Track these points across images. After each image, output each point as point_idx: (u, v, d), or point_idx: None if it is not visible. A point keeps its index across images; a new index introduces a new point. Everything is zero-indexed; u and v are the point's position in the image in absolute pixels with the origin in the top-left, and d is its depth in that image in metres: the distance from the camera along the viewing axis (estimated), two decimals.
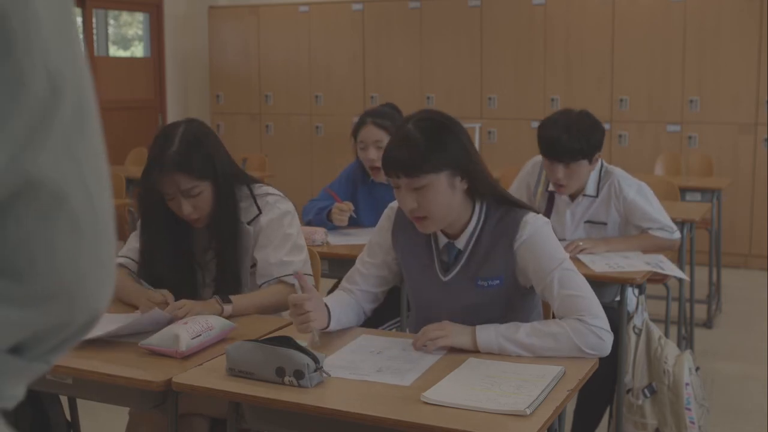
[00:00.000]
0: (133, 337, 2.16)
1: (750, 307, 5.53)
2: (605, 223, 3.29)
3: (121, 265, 2.59)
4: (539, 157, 3.35)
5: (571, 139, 3.09)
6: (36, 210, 0.63)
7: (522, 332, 2.04)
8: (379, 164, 3.46)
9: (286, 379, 1.85)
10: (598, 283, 2.95)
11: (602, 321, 2.08)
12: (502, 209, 2.20)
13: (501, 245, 2.17)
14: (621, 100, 6.86)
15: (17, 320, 0.64)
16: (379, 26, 7.85)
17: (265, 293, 2.50)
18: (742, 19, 6.52)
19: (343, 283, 2.40)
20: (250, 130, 8.48)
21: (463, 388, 1.82)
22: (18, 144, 0.61)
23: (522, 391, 1.79)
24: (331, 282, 3.70)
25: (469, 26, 7.45)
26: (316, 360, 1.86)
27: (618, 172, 3.32)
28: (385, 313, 3.08)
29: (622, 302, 2.97)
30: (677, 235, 3.30)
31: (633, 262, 3.05)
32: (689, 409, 2.82)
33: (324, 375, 1.88)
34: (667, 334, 3.63)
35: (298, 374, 1.84)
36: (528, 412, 1.69)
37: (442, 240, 2.25)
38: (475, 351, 2.05)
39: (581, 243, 3.16)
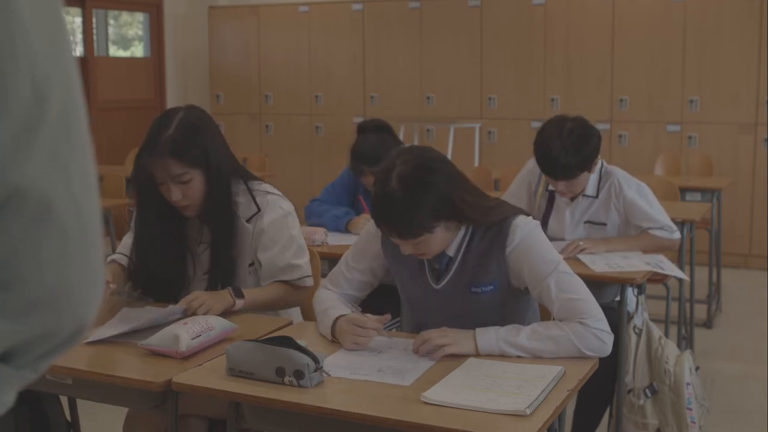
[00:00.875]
0: (133, 337, 2.16)
1: (750, 307, 5.53)
2: (605, 224, 3.29)
3: (113, 261, 2.59)
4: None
5: (567, 157, 3.08)
6: (22, 219, 0.62)
7: (523, 336, 2.04)
8: None
9: (286, 379, 1.85)
10: (598, 283, 2.95)
11: (603, 323, 2.08)
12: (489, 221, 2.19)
13: (493, 251, 2.17)
14: (621, 100, 6.86)
15: (4, 329, 0.63)
16: (379, 26, 7.85)
17: (272, 290, 2.50)
18: (742, 19, 6.52)
19: (326, 283, 2.39)
20: (250, 130, 8.48)
21: (463, 388, 1.82)
22: (3, 153, 0.60)
23: (522, 391, 1.79)
24: None
25: (469, 26, 7.45)
26: (316, 360, 1.86)
27: (618, 172, 3.32)
28: (385, 314, 3.08)
29: (622, 302, 2.97)
30: (677, 235, 3.30)
31: (633, 262, 3.05)
32: (690, 409, 2.82)
33: (324, 375, 1.88)
34: (667, 334, 3.63)
35: (298, 374, 1.84)
36: (528, 412, 1.69)
37: None
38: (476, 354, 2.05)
39: (581, 243, 3.16)
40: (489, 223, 2.17)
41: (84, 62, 7.98)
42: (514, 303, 2.23)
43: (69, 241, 0.64)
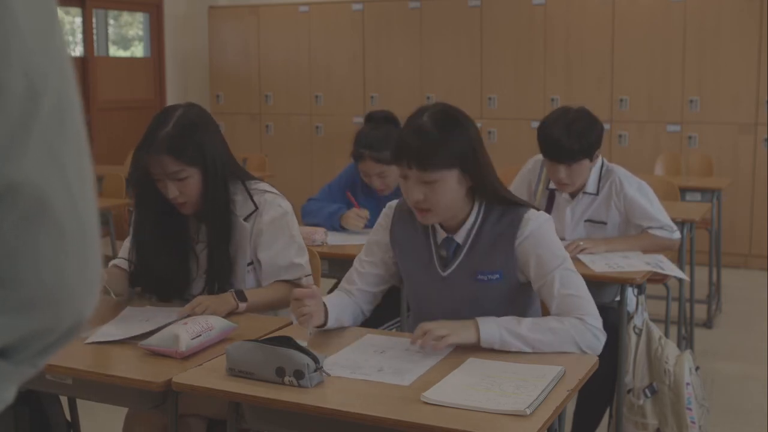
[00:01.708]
0: (133, 337, 2.16)
1: (750, 307, 5.53)
2: (605, 223, 3.29)
3: (115, 266, 2.59)
4: (540, 156, 3.36)
5: (571, 140, 3.10)
6: (18, 215, 0.61)
7: (524, 326, 2.05)
8: (384, 188, 3.46)
9: (286, 379, 1.85)
10: (598, 283, 2.95)
11: (599, 322, 2.11)
12: (503, 207, 2.21)
13: (502, 241, 2.18)
14: (621, 100, 6.86)
15: (2, 325, 0.63)
16: (379, 26, 7.85)
17: (274, 290, 2.51)
18: (742, 19, 6.52)
19: (342, 283, 2.41)
20: (250, 130, 8.48)
21: (463, 388, 1.82)
22: None
23: (522, 391, 1.79)
24: (331, 282, 3.70)
25: (469, 26, 7.45)
26: (316, 360, 1.86)
27: (619, 170, 3.33)
28: (385, 313, 3.08)
29: (622, 302, 2.97)
30: (677, 234, 3.30)
31: (633, 262, 3.05)
32: (690, 409, 2.82)
33: (324, 375, 1.88)
34: (667, 334, 3.63)
35: (298, 374, 1.84)
36: (528, 412, 1.69)
37: (440, 235, 2.25)
38: (477, 347, 2.05)
39: (581, 243, 3.16)
40: (501, 200, 2.19)
41: (84, 62, 7.98)
42: (518, 296, 2.24)
43: (65, 236, 0.64)
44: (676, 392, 2.85)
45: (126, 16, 9.04)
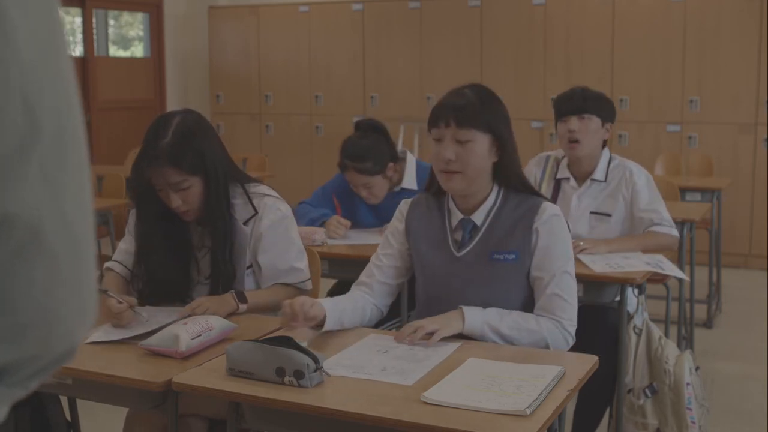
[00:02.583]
0: (133, 337, 2.16)
1: (750, 307, 5.53)
2: (610, 215, 3.32)
3: (109, 269, 2.58)
4: (545, 153, 3.43)
5: (585, 94, 3.34)
6: (11, 245, 0.60)
7: (505, 325, 2.16)
8: (371, 197, 3.45)
9: (286, 379, 1.85)
10: (598, 283, 2.95)
11: (574, 328, 2.23)
12: (522, 194, 2.29)
13: (521, 223, 2.25)
14: (621, 100, 6.86)
15: None
16: (379, 26, 7.85)
17: (274, 291, 2.52)
18: (742, 19, 6.52)
19: (361, 278, 2.41)
20: (250, 130, 8.48)
21: (463, 388, 1.82)
22: None
23: (522, 391, 1.79)
24: (331, 282, 3.70)
25: (469, 26, 7.45)
26: (316, 360, 1.86)
27: (630, 162, 3.44)
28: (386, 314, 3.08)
29: (622, 302, 2.97)
30: (675, 232, 3.32)
31: (633, 262, 3.05)
32: (690, 409, 2.82)
33: (324, 375, 1.88)
34: (667, 334, 3.63)
35: (298, 374, 1.84)
36: (528, 412, 1.69)
37: (456, 217, 2.30)
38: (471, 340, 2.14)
39: (581, 243, 3.16)
40: (521, 186, 2.28)
41: (84, 62, 7.98)
42: (529, 278, 2.26)
43: (60, 265, 0.63)
44: (676, 392, 2.85)
45: (126, 16, 9.04)
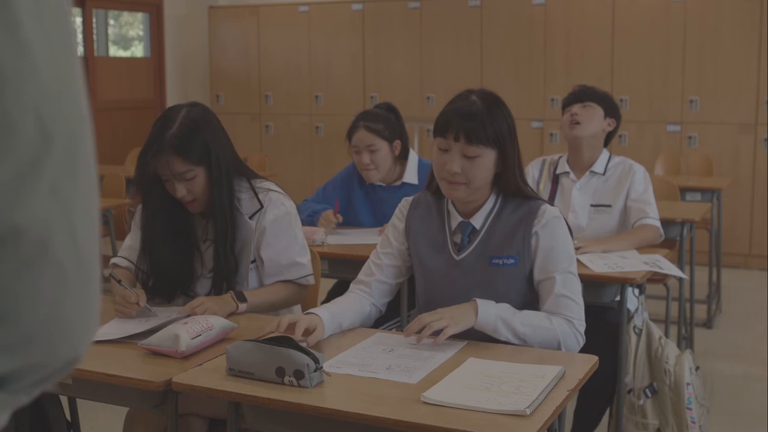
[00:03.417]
0: (133, 337, 2.16)
1: (750, 307, 5.53)
2: (609, 206, 3.38)
3: (115, 264, 2.61)
4: (541, 158, 3.46)
5: (590, 88, 3.45)
6: (19, 257, 0.61)
7: (518, 321, 2.12)
8: (372, 168, 3.47)
9: (286, 379, 1.85)
10: (598, 283, 2.95)
11: (583, 327, 2.20)
12: (520, 198, 2.28)
13: (521, 227, 2.24)
14: (621, 100, 6.86)
15: None
16: (379, 26, 7.85)
17: (274, 290, 2.52)
18: (742, 19, 6.52)
19: (360, 277, 2.40)
20: (250, 130, 8.48)
21: (463, 388, 1.82)
22: (4, 192, 0.59)
23: (522, 391, 1.79)
24: (331, 282, 3.70)
25: (469, 26, 7.45)
26: (316, 360, 1.86)
27: (627, 159, 3.52)
28: (385, 313, 3.08)
29: (622, 302, 2.97)
30: (659, 222, 3.37)
31: (631, 263, 3.05)
32: (690, 409, 2.82)
33: (324, 375, 1.88)
34: (667, 334, 3.63)
35: (298, 374, 1.84)
36: (528, 412, 1.69)
37: (455, 220, 2.30)
38: (473, 338, 2.12)
39: (575, 242, 3.17)
40: (521, 192, 2.27)
41: (84, 62, 7.98)
42: (529, 281, 2.26)
43: (66, 278, 0.64)
44: (676, 392, 2.85)
45: (126, 16, 9.04)
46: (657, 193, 3.52)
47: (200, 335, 2.08)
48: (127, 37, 9.24)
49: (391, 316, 3.23)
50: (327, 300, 3.46)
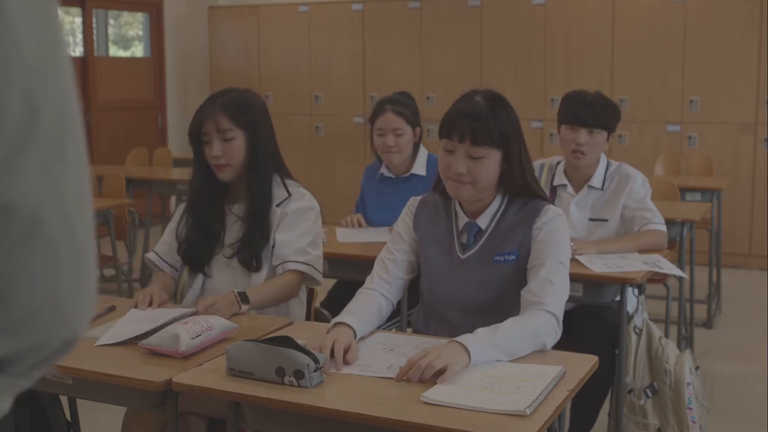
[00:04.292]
0: (134, 337, 2.16)
1: (750, 307, 5.53)
2: (606, 220, 3.32)
3: (147, 258, 2.75)
4: (538, 162, 3.41)
5: (597, 107, 3.30)
6: (11, 235, 0.61)
7: (500, 337, 2.01)
8: (395, 150, 3.53)
9: (286, 379, 1.85)
10: (598, 283, 2.95)
11: (560, 315, 2.14)
12: (526, 198, 2.30)
13: (522, 224, 2.26)
14: (621, 100, 6.85)
15: None
16: (379, 26, 7.85)
17: (275, 285, 2.54)
18: (742, 19, 6.52)
19: (375, 276, 2.38)
20: None
21: (463, 388, 1.82)
22: None
23: (522, 391, 1.79)
24: (331, 282, 3.70)
25: (469, 26, 7.45)
26: (316, 360, 1.86)
27: (626, 165, 3.43)
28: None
29: (622, 302, 2.97)
30: (665, 228, 3.33)
31: (631, 263, 3.05)
32: (691, 409, 2.82)
33: (324, 375, 1.88)
34: (667, 334, 3.63)
35: (298, 374, 1.84)
36: (528, 412, 1.69)
37: (462, 220, 2.33)
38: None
39: (571, 244, 3.16)
40: (527, 190, 2.28)
41: (84, 62, 7.98)
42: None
43: (59, 255, 0.63)
44: (677, 392, 2.85)
45: (126, 16, 9.04)
46: (657, 193, 3.50)
47: (200, 335, 2.08)
48: (127, 37, 9.24)
49: (391, 315, 3.23)
50: (327, 300, 3.46)
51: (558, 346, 2.13)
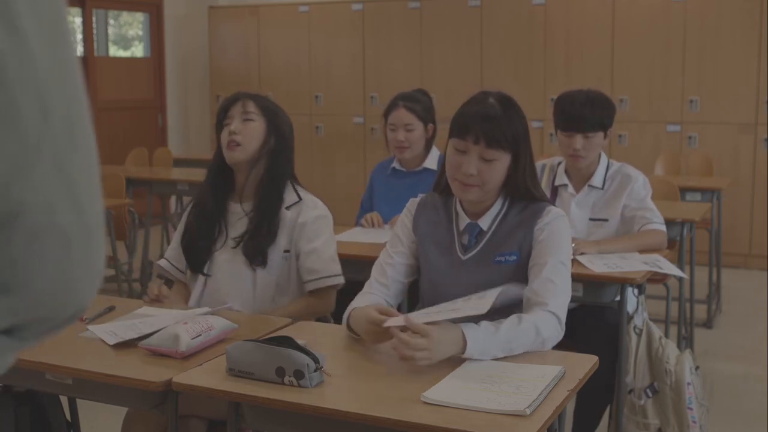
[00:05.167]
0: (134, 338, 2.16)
1: (750, 307, 5.53)
2: (607, 220, 3.31)
3: (159, 266, 2.79)
4: (540, 162, 3.42)
5: (593, 109, 3.28)
6: (26, 230, 0.64)
7: (508, 342, 2.01)
8: (406, 146, 3.60)
9: (286, 379, 1.85)
10: (598, 283, 2.95)
11: (563, 316, 2.14)
12: (527, 200, 2.31)
13: (524, 226, 2.27)
14: (621, 100, 6.86)
15: (6, 311, 0.67)
16: (379, 26, 7.85)
17: (297, 307, 2.57)
18: (742, 19, 6.52)
19: (375, 277, 2.39)
20: None
21: (463, 388, 1.82)
22: (9, 172, 0.62)
23: (522, 391, 1.79)
24: None
25: (469, 26, 7.45)
26: (316, 360, 1.86)
27: (626, 165, 3.42)
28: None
29: (622, 302, 2.97)
30: (665, 227, 3.33)
31: (631, 263, 3.05)
32: (691, 409, 2.82)
33: (324, 375, 1.88)
34: (667, 334, 3.63)
35: (298, 374, 1.84)
36: (528, 412, 1.69)
37: (464, 220, 2.33)
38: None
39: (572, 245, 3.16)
40: (529, 194, 2.29)
41: (84, 62, 7.98)
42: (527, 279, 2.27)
43: (71, 246, 0.67)
44: (677, 392, 2.85)
45: (126, 16, 9.04)
46: (657, 193, 3.49)
47: (200, 335, 2.08)
48: (127, 37, 9.24)
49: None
50: None
51: (558, 346, 2.13)
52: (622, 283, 2.95)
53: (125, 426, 2.44)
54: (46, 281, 0.66)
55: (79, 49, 8.07)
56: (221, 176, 2.65)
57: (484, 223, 2.30)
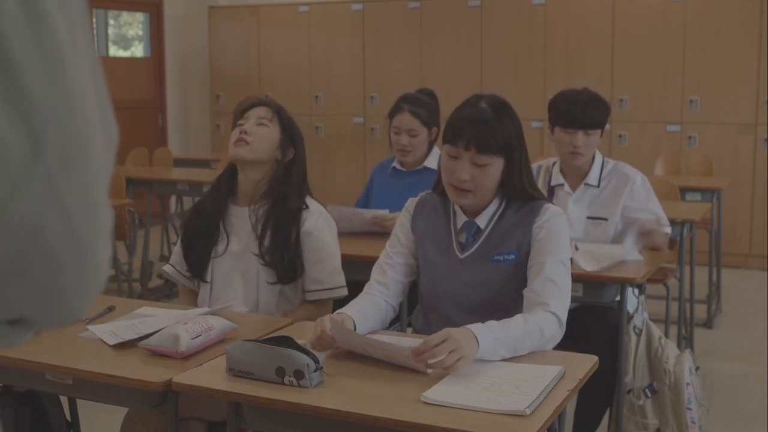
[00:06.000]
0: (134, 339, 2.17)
1: (750, 307, 5.53)
2: (606, 219, 3.31)
3: (164, 272, 2.78)
4: (536, 164, 3.41)
5: (590, 107, 3.29)
6: (14, 248, 0.62)
7: (514, 342, 2.02)
8: (409, 149, 3.60)
9: (286, 379, 1.85)
10: (598, 283, 2.95)
11: (564, 316, 2.14)
12: (524, 200, 2.31)
13: (522, 224, 2.27)
14: (621, 100, 6.86)
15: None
16: (379, 26, 7.85)
17: (298, 317, 2.54)
18: (742, 19, 6.52)
19: (375, 278, 2.39)
20: None
21: (463, 388, 1.82)
22: (2, 201, 0.60)
23: (522, 391, 1.79)
24: None
25: (469, 26, 7.45)
26: (316, 360, 1.86)
27: (624, 164, 3.41)
28: None
29: (622, 302, 2.97)
30: (669, 228, 3.33)
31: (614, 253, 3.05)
32: (690, 409, 2.83)
33: (324, 375, 1.88)
34: (667, 334, 3.63)
35: (298, 374, 1.84)
36: (528, 412, 1.69)
37: (461, 219, 2.33)
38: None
39: (578, 245, 3.16)
40: (526, 195, 2.29)
41: None
42: (526, 278, 2.26)
43: (60, 263, 0.65)
44: (676, 392, 2.85)
45: (126, 16, 9.04)
46: (657, 193, 3.47)
47: (200, 335, 2.08)
48: (127, 37, 9.24)
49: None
50: None
51: (558, 346, 2.13)
52: (622, 283, 2.95)
53: (125, 426, 2.44)
54: (37, 299, 0.65)
55: None
56: (225, 180, 2.65)
57: (482, 221, 2.31)
